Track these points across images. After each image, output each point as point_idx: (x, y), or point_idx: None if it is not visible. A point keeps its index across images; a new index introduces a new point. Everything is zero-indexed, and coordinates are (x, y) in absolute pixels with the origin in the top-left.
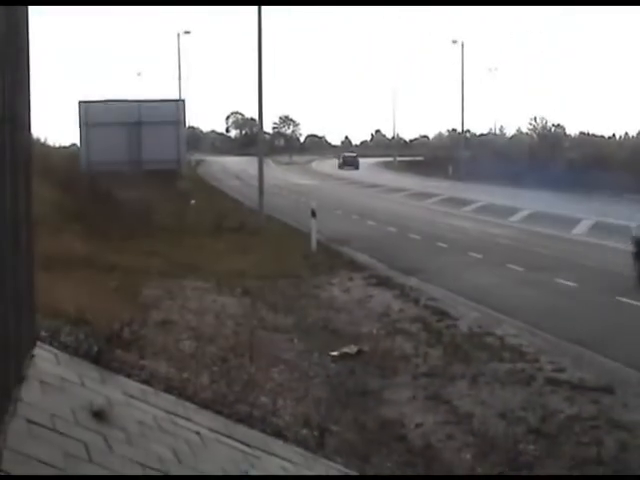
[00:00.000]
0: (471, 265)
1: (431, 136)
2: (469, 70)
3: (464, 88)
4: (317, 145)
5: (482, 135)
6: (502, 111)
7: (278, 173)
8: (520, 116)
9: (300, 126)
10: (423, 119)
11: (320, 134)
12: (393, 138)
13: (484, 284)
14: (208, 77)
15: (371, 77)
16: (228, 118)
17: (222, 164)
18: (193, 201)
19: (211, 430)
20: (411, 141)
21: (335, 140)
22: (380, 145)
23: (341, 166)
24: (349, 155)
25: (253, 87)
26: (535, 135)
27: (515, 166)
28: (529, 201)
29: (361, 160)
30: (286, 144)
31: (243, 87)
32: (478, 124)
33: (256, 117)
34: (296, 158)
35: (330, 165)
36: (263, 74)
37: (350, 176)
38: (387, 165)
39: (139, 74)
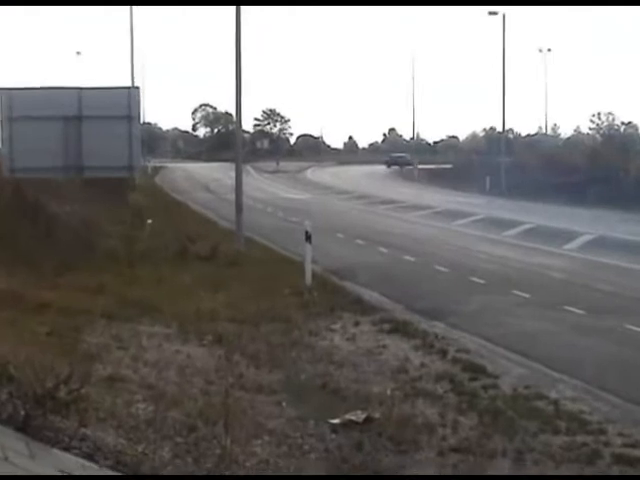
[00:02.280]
0: (515, 306)
1: (462, 137)
2: (512, 52)
3: (505, 73)
4: (312, 148)
5: (529, 136)
6: (555, 105)
7: (261, 184)
8: (579, 112)
9: (290, 124)
10: (451, 116)
11: (316, 134)
12: (412, 139)
13: (532, 331)
14: (170, 63)
15: (383, 65)
16: (195, 112)
17: (188, 171)
18: (150, 220)
19: None
20: (436, 143)
21: (336, 142)
22: (395, 148)
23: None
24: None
25: (229, 75)
26: (599, 136)
27: (573, 176)
28: (592, 223)
29: (369, 168)
30: (272, 146)
31: (216, 75)
32: (524, 122)
33: (232, 111)
34: (285, 164)
35: (330, 174)
36: (243, 58)
37: (356, 189)
38: (404, 174)
39: (79, 54)
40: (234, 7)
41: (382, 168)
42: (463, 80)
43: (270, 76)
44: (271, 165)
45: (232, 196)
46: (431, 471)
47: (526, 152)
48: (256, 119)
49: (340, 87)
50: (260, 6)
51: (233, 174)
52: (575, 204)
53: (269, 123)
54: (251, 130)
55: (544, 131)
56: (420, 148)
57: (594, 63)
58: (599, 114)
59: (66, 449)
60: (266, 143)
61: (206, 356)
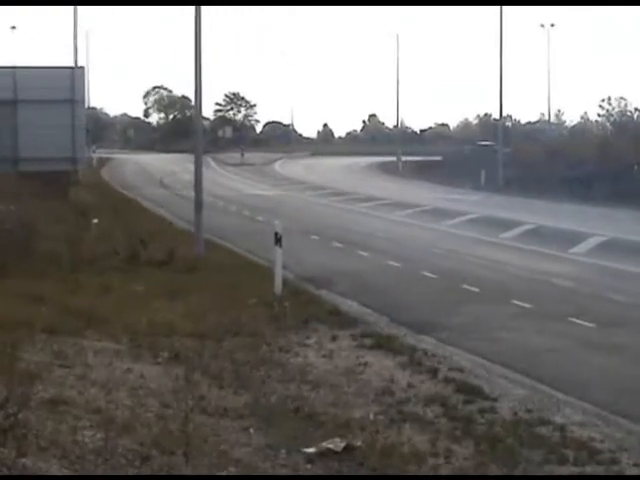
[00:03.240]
0: (515, 319)
1: (453, 125)
2: (510, 29)
3: (503, 51)
4: (281, 137)
5: (530, 124)
6: (559, 89)
7: (224, 178)
8: (587, 96)
9: (256, 109)
10: (440, 101)
11: (286, 121)
12: (396, 127)
13: (535, 347)
14: (119, 40)
15: (362, 45)
16: (147, 96)
17: (139, 164)
18: (96, 220)
19: None
20: (423, 132)
21: (308, 130)
22: (376, 137)
23: None
24: (483, 144)
25: (186, 54)
26: (609, 124)
27: (580, 169)
28: (601, 223)
29: (347, 160)
30: (235, 135)
31: (171, 55)
32: (523, 108)
33: (190, 94)
34: (250, 156)
35: (303, 166)
36: (204, 35)
37: (333, 185)
38: (387, 167)
39: (13, 28)
40: None
41: (362, 160)
42: (454, 63)
43: (234, 56)
44: (235, 157)
45: (190, 192)
46: None
47: (526, 142)
48: (217, 104)
49: (313, 69)
50: None
51: (191, 167)
52: (582, 201)
53: (232, 108)
54: (212, 117)
55: (547, 118)
56: (405, 137)
57: (602, 41)
58: (609, 99)
59: None
60: (229, 131)
61: (162, 375)
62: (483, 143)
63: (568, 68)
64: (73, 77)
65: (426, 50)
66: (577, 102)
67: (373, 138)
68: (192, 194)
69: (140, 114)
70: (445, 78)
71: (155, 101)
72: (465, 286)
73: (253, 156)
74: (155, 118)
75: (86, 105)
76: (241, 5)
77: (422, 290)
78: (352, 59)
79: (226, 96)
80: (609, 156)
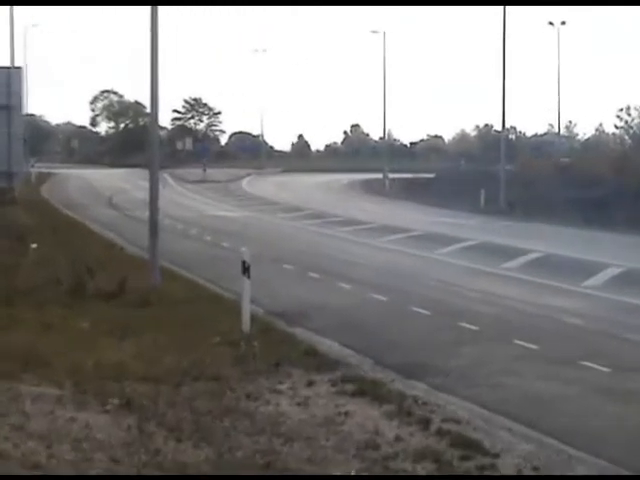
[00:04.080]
0: (519, 361)
1: (448, 137)
2: (515, 28)
3: (505, 53)
4: (250, 150)
5: (536, 136)
6: (571, 97)
7: (183, 197)
8: (602, 105)
9: (221, 117)
10: (434, 110)
11: (255, 131)
12: (382, 139)
13: (542, 395)
14: (62, 37)
15: (344, 47)
16: (95, 101)
17: (85, 180)
18: (34, 245)
19: None
20: (413, 144)
21: (281, 142)
22: (359, 151)
23: None
24: None
25: (141, 53)
26: (628, 137)
27: (594, 189)
28: (619, 252)
29: (326, 177)
30: (197, 147)
31: (122, 55)
32: (529, 118)
33: (144, 100)
34: (214, 172)
35: (274, 184)
36: (161, 33)
37: (309, 205)
38: (372, 186)
39: None
40: None
41: (343, 177)
42: (449, 67)
43: (195, 57)
44: (196, 172)
45: (144, 213)
46: None
47: (533, 157)
48: (176, 111)
49: (287, 72)
50: None
51: (145, 184)
52: (597, 226)
53: (193, 117)
54: (169, 126)
55: (556, 130)
56: (393, 151)
57: (619, 44)
58: (628, 108)
59: None
60: (189, 143)
61: (110, 426)
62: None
63: (581, 74)
64: (9, 79)
65: (418, 52)
66: (591, 112)
67: (356, 152)
68: (146, 215)
69: (86, 122)
70: (439, 84)
71: (104, 107)
72: (462, 324)
73: (217, 172)
74: (104, 127)
75: (24, 111)
76: (200, 5)
77: (412, 328)
78: (332, 61)
79: (186, 102)
80: (628, 173)
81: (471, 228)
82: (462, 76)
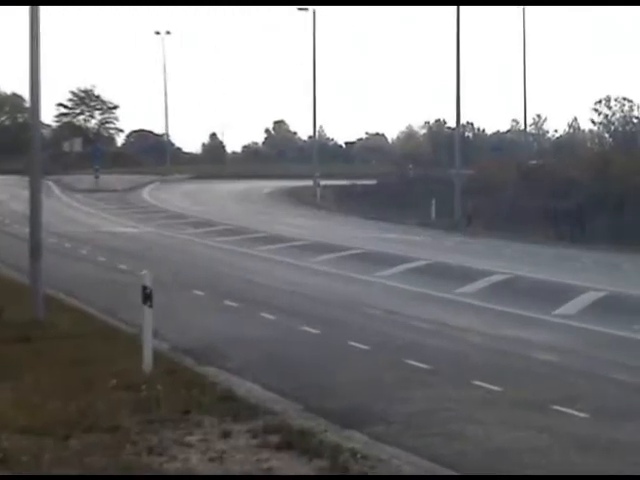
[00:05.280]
0: (479, 406)
1: (392, 135)
2: (472, 11)
3: (460, 33)
4: (153, 152)
5: (498, 134)
6: (538, 89)
7: (72, 210)
8: (577, 97)
9: (118, 113)
10: (373, 104)
11: (158, 130)
12: (312, 138)
13: (508, 447)
14: None
15: (265, 30)
16: None
17: None
18: None
19: None
20: (349, 145)
21: (190, 143)
22: (285, 153)
23: None
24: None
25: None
26: (608, 134)
27: (568, 198)
28: (596, 272)
29: (244, 185)
30: (88, 149)
31: None
32: (490, 113)
33: (24, 93)
34: (109, 179)
35: (183, 194)
36: (43, 14)
37: (224, 219)
38: (301, 195)
39: None
40: None
41: (265, 185)
42: (393, 54)
43: (86, 41)
44: (87, 179)
45: (23, 229)
46: None
47: (494, 159)
48: (62, 105)
49: (197, 60)
50: None
51: (25, 193)
52: (572, 243)
53: (83, 112)
54: (54, 123)
55: (522, 126)
56: (326, 152)
57: (596, 26)
58: (608, 100)
59: None
60: (78, 144)
61: None
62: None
63: (551, 62)
64: None
65: (355, 38)
66: (564, 106)
67: (280, 154)
68: (26, 232)
69: None
70: (380, 74)
71: None
72: (409, 361)
73: (113, 179)
74: None
75: None
76: None
77: (349, 366)
78: (251, 46)
79: (74, 94)
80: (609, 178)
81: (420, 245)
82: (409, 66)
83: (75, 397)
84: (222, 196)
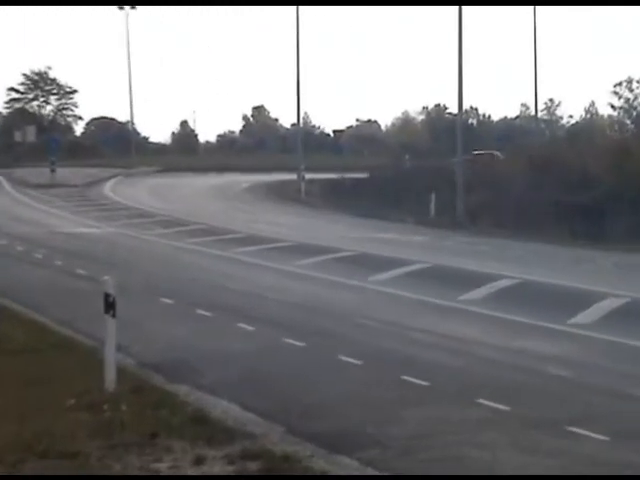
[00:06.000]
0: (485, 427)
1: (386, 122)
2: None
3: (463, 14)
4: (116, 141)
5: (506, 121)
6: (550, 70)
7: (25, 208)
8: (594, 78)
9: (76, 98)
10: (364, 90)
11: (122, 117)
12: (296, 125)
13: (518, 472)
14: None
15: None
16: None
17: None
18: None
19: None
20: (338, 133)
21: (157, 132)
22: (265, 142)
23: None
24: (481, 153)
25: None
26: (629, 120)
27: (584, 192)
28: (617, 277)
29: (220, 179)
30: (43, 139)
31: None
32: (497, 97)
33: None
34: (67, 172)
35: (150, 189)
36: None
37: (197, 218)
38: (283, 190)
39: None
40: None
41: (243, 179)
42: (385, 36)
43: (38, 16)
44: (42, 173)
45: None
46: None
47: (501, 149)
48: (13, 90)
49: (165, 37)
50: None
51: None
52: (589, 242)
53: (37, 97)
54: (4, 110)
55: (532, 112)
56: (311, 142)
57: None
58: (630, 82)
59: None
60: (32, 133)
61: None
62: (478, 152)
63: (565, 42)
64: None
65: (342, 14)
66: (579, 89)
67: (260, 143)
68: None
69: None
70: (373, 55)
71: None
72: (406, 377)
73: (71, 172)
74: None
75: None
76: None
77: (339, 383)
78: (226, 22)
79: (27, 78)
80: (629, 169)
81: (417, 247)
82: (404, 46)
83: (28, 419)
84: (194, 192)
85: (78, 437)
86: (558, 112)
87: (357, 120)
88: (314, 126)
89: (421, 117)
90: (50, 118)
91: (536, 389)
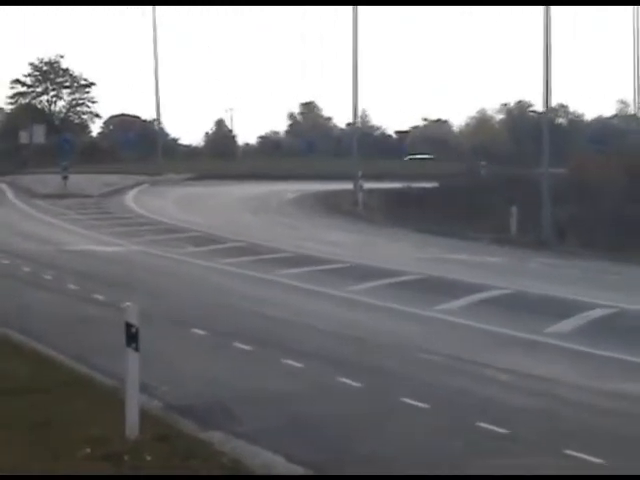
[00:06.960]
0: None
1: (458, 122)
2: None
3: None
4: (140, 144)
5: (600, 120)
6: None
7: (31, 221)
8: None
9: (93, 92)
10: (432, 86)
11: (146, 115)
12: (352, 125)
13: None
14: None
15: None
16: None
17: None
18: None
19: None
20: (401, 134)
21: (190, 132)
22: (314, 145)
23: None
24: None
25: None
26: None
27: None
28: None
29: (261, 188)
30: (53, 140)
31: None
32: (587, 95)
33: None
34: (81, 180)
35: (178, 200)
36: None
37: (234, 234)
38: (337, 203)
39: None
40: None
41: (289, 188)
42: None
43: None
44: (52, 181)
45: None
46: None
47: (595, 154)
48: (19, 82)
49: (199, 26)
50: None
51: None
52: None
53: (47, 91)
54: (9, 106)
55: (632, 110)
56: (371, 144)
57: None
58: None
59: None
60: (40, 133)
61: None
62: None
63: None
64: None
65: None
66: None
67: (309, 146)
68: None
69: None
70: (442, 45)
71: None
72: (482, 424)
73: (86, 180)
74: None
75: None
76: None
77: (403, 431)
78: (269, 10)
79: (35, 68)
80: None
81: (496, 269)
82: (480, 35)
83: (37, 470)
84: (230, 203)
85: None
86: None
87: (424, 120)
88: (373, 126)
89: (500, 116)
90: (62, 116)
91: (636, 438)
